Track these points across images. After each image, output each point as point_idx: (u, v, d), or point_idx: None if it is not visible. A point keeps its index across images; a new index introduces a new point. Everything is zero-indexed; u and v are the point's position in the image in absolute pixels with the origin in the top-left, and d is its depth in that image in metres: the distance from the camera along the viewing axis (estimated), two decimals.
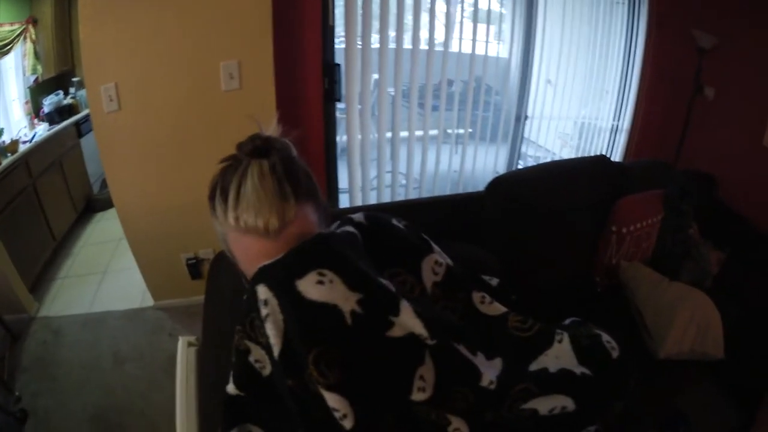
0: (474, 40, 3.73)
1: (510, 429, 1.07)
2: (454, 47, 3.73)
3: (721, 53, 3.51)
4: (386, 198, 3.98)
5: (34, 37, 4.78)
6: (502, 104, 4.27)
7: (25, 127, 4.57)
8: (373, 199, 3.92)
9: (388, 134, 3.76)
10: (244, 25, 2.71)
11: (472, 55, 3.76)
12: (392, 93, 3.64)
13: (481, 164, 4.30)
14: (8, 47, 4.44)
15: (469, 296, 1.20)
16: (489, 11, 3.82)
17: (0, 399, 2.63)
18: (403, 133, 3.80)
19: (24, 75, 4.80)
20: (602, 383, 1.11)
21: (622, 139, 4.36)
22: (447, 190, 4.27)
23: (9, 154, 3.84)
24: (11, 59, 4.60)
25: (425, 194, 4.12)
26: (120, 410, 2.78)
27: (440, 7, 3.53)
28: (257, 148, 1.02)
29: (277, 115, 1.10)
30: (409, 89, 3.65)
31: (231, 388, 1.11)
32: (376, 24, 3.31)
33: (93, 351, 3.21)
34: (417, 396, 0.97)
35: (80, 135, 5.10)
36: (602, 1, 4.00)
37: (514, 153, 4.40)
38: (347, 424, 0.91)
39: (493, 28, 4.04)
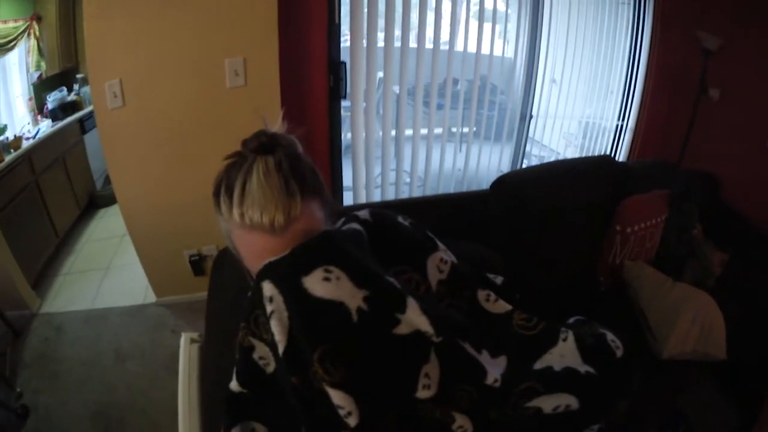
0: (479, 39, 3.72)
1: (514, 427, 1.07)
2: (459, 46, 3.73)
3: (726, 55, 3.50)
4: (390, 196, 3.97)
5: (38, 33, 4.78)
6: (507, 103, 4.26)
7: (29, 123, 4.58)
8: (377, 197, 3.93)
9: (393, 132, 3.75)
10: (249, 22, 2.70)
11: (478, 54, 3.75)
12: (397, 91, 3.64)
13: (485, 163, 4.30)
14: (12, 44, 4.44)
15: (474, 294, 1.20)
16: (495, 10, 3.81)
17: (1, 395, 2.62)
18: (408, 132, 3.80)
19: (28, 72, 4.80)
20: (606, 382, 1.11)
21: (626, 139, 4.34)
22: (451, 189, 4.27)
23: (12, 151, 3.83)
24: (15, 56, 4.61)
25: (429, 192, 4.11)
26: (121, 407, 2.77)
27: (446, 6, 3.52)
28: (263, 144, 1.01)
29: (283, 112, 1.10)
30: (414, 87, 3.64)
31: (234, 385, 1.10)
32: (381, 22, 3.30)
33: (95, 348, 3.21)
34: (422, 394, 0.97)
35: (84, 131, 5.10)
36: (608, 2, 3.99)
37: (519, 152, 4.39)
38: (352, 421, 0.91)
39: (498, 28, 4.04)
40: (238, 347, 1.07)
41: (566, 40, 4.12)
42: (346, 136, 3.63)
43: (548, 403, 1.05)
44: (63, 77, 5.26)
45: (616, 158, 3.16)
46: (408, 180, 4.05)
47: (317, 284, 0.93)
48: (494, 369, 1.05)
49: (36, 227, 4.01)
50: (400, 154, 3.83)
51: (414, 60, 3.55)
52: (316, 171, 1.09)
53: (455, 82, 3.90)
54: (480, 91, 3.91)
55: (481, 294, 1.21)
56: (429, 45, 3.55)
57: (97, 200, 5.25)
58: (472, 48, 3.74)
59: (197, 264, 3.37)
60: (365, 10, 3.18)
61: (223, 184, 1.02)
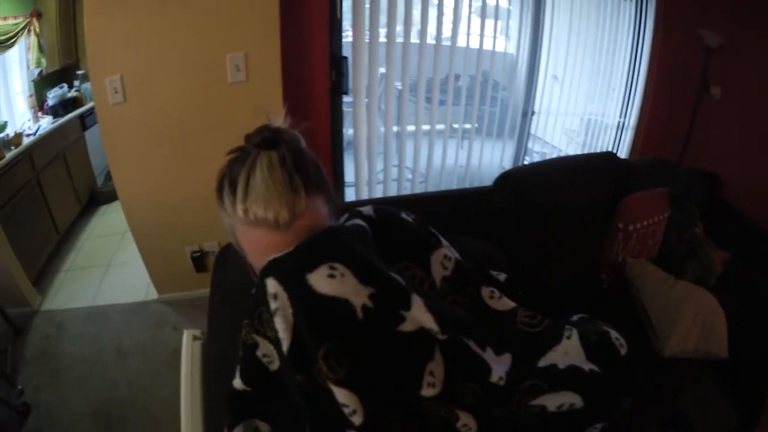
0: (482, 35, 3.72)
1: (518, 425, 1.06)
2: (461, 42, 3.73)
3: (727, 52, 3.50)
4: (392, 192, 3.97)
5: (38, 30, 4.78)
6: (509, 99, 4.26)
7: (29, 120, 4.57)
8: (379, 193, 3.93)
9: (395, 128, 3.75)
10: (251, 16, 2.70)
11: (480, 50, 3.75)
12: (399, 87, 3.63)
13: (487, 159, 4.30)
14: (12, 40, 4.44)
15: (478, 291, 1.19)
16: (497, 7, 3.80)
17: (3, 393, 2.63)
18: (410, 128, 3.79)
19: (28, 68, 4.80)
20: (610, 380, 1.10)
21: (627, 137, 4.34)
22: (453, 185, 4.26)
23: (13, 147, 3.83)
24: (15, 52, 4.60)
25: (431, 189, 4.11)
26: (122, 405, 2.77)
27: (448, 2, 3.52)
28: (266, 139, 1.00)
29: (286, 107, 1.09)
30: (416, 83, 3.63)
31: (237, 382, 1.10)
32: (383, 18, 3.29)
33: (96, 345, 3.20)
34: (426, 392, 0.96)
35: (84, 128, 5.10)
36: None
37: (521, 149, 4.39)
38: (357, 419, 0.91)
39: (500, 23, 4.03)
40: (242, 344, 1.07)
41: (568, 37, 4.12)
42: (347, 132, 3.62)
43: (552, 402, 1.04)
44: (63, 74, 5.26)
45: (618, 155, 3.16)
46: (410, 176, 4.04)
47: (322, 281, 0.92)
48: (499, 367, 1.04)
49: (37, 224, 4.01)
50: (402, 150, 3.83)
51: (416, 56, 3.55)
52: (320, 166, 1.08)
53: (457, 77, 3.89)
54: (482, 87, 3.91)
55: (485, 291, 1.20)
56: (431, 41, 3.55)
57: (98, 197, 5.25)
58: (474, 44, 3.74)
59: (199, 260, 3.37)
60: (367, 5, 3.18)
61: (227, 179, 1.01)
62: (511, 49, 4.14)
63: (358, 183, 3.76)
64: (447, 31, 3.61)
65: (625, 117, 4.30)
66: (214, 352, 1.60)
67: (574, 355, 1.11)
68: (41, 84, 4.91)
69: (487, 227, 2.33)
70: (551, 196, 2.39)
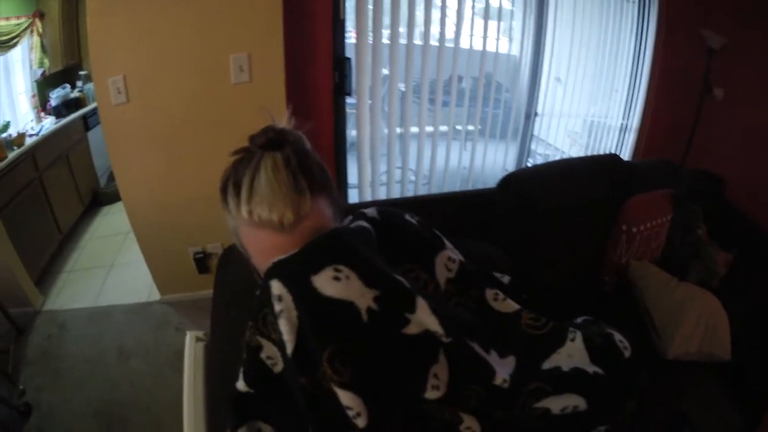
0: (485, 37, 3.72)
1: (521, 428, 1.06)
2: (464, 44, 3.72)
3: (730, 54, 3.50)
4: (396, 194, 3.98)
5: (40, 30, 4.78)
6: (512, 101, 4.26)
7: (32, 120, 4.58)
8: (382, 195, 3.93)
9: (398, 130, 3.75)
10: (254, 17, 2.70)
11: (483, 52, 3.76)
12: (402, 88, 3.63)
13: (490, 161, 4.30)
14: (15, 41, 4.44)
15: (483, 293, 1.19)
16: (500, 8, 3.80)
17: (4, 392, 2.62)
18: (413, 129, 3.79)
19: (31, 68, 4.81)
20: (614, 383, 1.10)
21: (630, 138, 4.33)
22: (456, 187, 4.27)
23: (15, 148, 3.83)
24: (18, 53, 4.61)
25: (434, 191, 4.12)
26: (124, 405, 2.77)
27: (451, 3, 3.52)
28: (270, 140, 1.00)
29: (291, 108, 1.09)
30: (420, 85, 3.63)
31: (241, 384, 1.09)
32: (386, 19, 3.29)
33: (98, 345, 3.20)
34: (430, 394, 0.96)
35: (87, 128, 5.11)
36: (612, 0, 3.98)
37: (524, 150, 4.39)
38: (360, 422, 0.90)
39: (503, 25, 4.03)
40: (245, 346, 1.06)
41: (571, 38, 4.12)
42: (350, 133, 3.62)
43: (556, 404, 1.04)
44: (66, 74, 5.26)
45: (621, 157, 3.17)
46: (413, 178, 4.04)
47: (327, 283, 0.92)
48: (503, 369, 1.04)
49: (39, 224, 4.02)
50: (405, 151, 3.82)
51: (419, 57, 3.55)
52: (325, 167, 1.08)
53: (460, 79, 3.89)
54: (485, 89, 3.91)
55: (489, 293, 1.20)
56: (434, 42, 3.55)
57: (100, 197, 5.26)
58: (477, 45, 3.75)
59: (202, 262, 3.37)
60: (370, 6, 3.18)
61: (231, 180, 1.01)
62: (514, 51, 4.15)
63: (361, 185, 3.76)
64: (450, 33, 3.61)
65: (627, 119, 4.29)
66: (217, 353, 1.59)
67: (578, 358, 1.11)
68: (44, 84, 4.92)
69: (490, 229, 2.33)
70: (554, 198, 2.39)
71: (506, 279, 1.38)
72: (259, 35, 2.74)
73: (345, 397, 0.89)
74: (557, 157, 4.50)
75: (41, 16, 4.76)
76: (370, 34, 3.27)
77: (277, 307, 0.92)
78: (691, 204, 2.56)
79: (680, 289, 2.24)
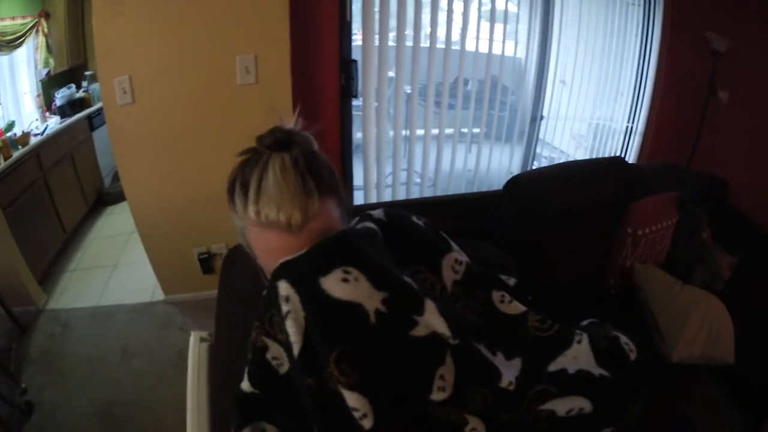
0: (491, 39, 3.72)
1: (526, 430, 1.05)
2: (470, 46, 3.72)
3: (735, 57, 3.49)
4: (401, 196, 3.98)
5: (46, 30, 4.79)
6: (518, 104, 4.26)
7: (37, 120, 4.58)
8: (387, 197, 3.93)
9: (404, 132, 3.75)
10: (261, 18, 2.69)
11: (489, 55, 3.76)
12: (408, 91, 3.63)
13: (495, 164, 4.31)
14: (20, 40, 4.45)
15: (489, 295, 1.19)
16: (506, 11, 3.81)
17: (6, 391, 2.63)
18: (419, 131, 3.80)
19: (36, 68, 4.82)
20: (620, 385, 1.10)
21: (636, 141, 4.33)
22: (461, 190, 4.27)
23: (20, 147, 3.84)
24: (23, 52, 4.62)
25: (440, 193, 4.11)
26: (127, 405, 2.77)
27: (457, 6, 3.52)
28: (278, 140, 1.00)
29: (298, 109, 1.09)
30: (426, 87, 3.63)
31: (245, 385, 1.08)
32: (392, 21, 3.29)
33: (101, 345, 3.21)
34: (436, 396, 0.96)
35: (92, 128, 5.12)
36: (618, 3, 3.99)
37: (529, 153, 4.39)
38: (367, 424, 0.90)
39: (509, 28, 4.03)
40: (251, 347, 1.06)
41: (577, 41, 4.12)
42: (356, 135, 3.62)
43: (562, 406, 1.04)
44: (71, 74, 5.27)
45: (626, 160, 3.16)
46: (418, 180, 4.05)
47: (336, 285, 0.92)
48: (509, 371, 1.03)
49: (43, 223, 4.02)
50: (411, 153, 3.82)
51: (425, 59, 3.55)
52: (333, 169, 1.08)
53: (466, 82, 3.89)
54: (491, 92, 3.91)
55: (496, 295, 1.20)
56: (440, 45, 3.55)
57: (105, 197, 5.27)
58: (483, 48, 3.74)
59: (206, 262, 3.37)
60: (376, 8, 3.18)
61: (238, 180, 1.00)
62: (520, 54, 4.15)
63: (367, 186, 3.76)
64: (456, 35, 3.61)
65: (632, 122, 4.29)
66: (221, 354, 1.59)
67: (584, 360, 1.11)
68: (49, 84, 4.92)
69: (495, 232, 2.33)
70: (560, 201, 2.38)
71: (512, 281, 1.38)
72: (265, 36, 2.74)
73: (351, 399, 0.89)
74: (562, 160, 4.49)
75: (47, 16, 4.78)
76: (377, 36, 3.27)
77: (285, 308, 0.92)
78: (696, 207, 2.55)
79: (685, 293, 2.24)
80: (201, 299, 3.48)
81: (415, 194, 4.05)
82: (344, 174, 3.57)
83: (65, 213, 4.35)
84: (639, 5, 3.94)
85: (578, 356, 1.11)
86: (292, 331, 0.91)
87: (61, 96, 4.82)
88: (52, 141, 4.30)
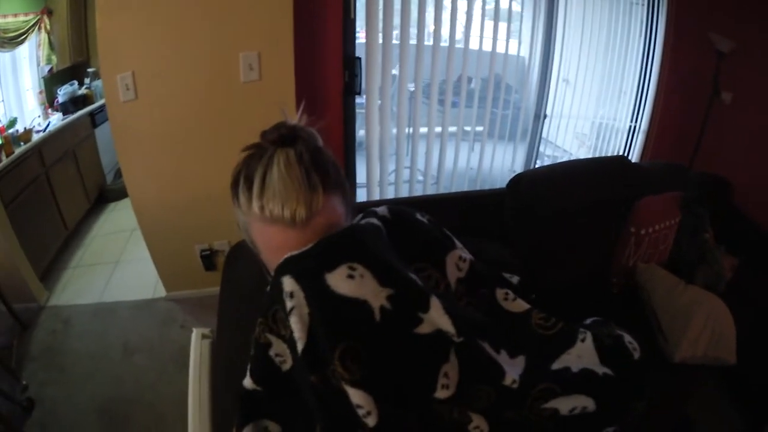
0: (494, 38, 3.72)
1: (530, 428, 1.05)
2: (474, 45, 3.72)
3: (738, 57, 3.49)
4: (404, 194, 3.98)
5: (48, 27, 4.80)
6: (521, 103, 4.26)
7: (39, 116, 4.59)
8: (390, 194, 3.93)
9: (407, 129, 3.75)
10: (264, 15, 2.69)
11: (493, 53, 3.76)
12: (412, 89, 3.63)
13: (498, 163, 4.31)
14: (23, 37, 4.46)
15: (493, 293, 1.19)
16: (510, 10, 3.81)
17: (7, 387, 2.62)
18: (422, 129, 3.79)
19: (38, 65, 4.82)
20: (624, 384, 1.10)
21: (638, 141, 4.33)
22: (464, 188, 4.28)
23: (22, 143, 3.84)
24: (26, 49, 4.63)
25: (442, 191, 4.11)
26: (128, 402, 2.77)
27: (461, 5, 3.52)
28: (283, 136, 1.00)
29: (303, 105, 1.09)
30: (429, 85, 3.63)
31: (248, 382, 1.08)
32: (396, 19, 3.29)
33: (102, 341, 3.20)
34: (440, 393, 0.95)
35: (94, 125, 5.12)
36: (621, 2, 3.99)
37: (532, 152, 4.39)
38: (371, 421, 0.89)
39: (513, 26, 4.03)
40: (254, 343, 1.05)
41: (580, 40, 4.12)
42: (359, 132, 3.62)
43: (565, 405, 1.04)
44: (74, 71, 5.28)
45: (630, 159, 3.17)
46: (421, 178, 4.05)
47: (341, 282, 0.92)
48: (512, 370, 1.03)
49: (45, 220, 4.02)
50: (414, 151, 3.82)
51: (429, 57, 3.54)
52: (338, 165, 1.07)
53: (469, 80, 3.89)
54: (494, 90, 3.91)
55: (500, 292, 1.20)
56: (444, 43, 3.55)
57: (107, 194, 5.27)
58: (486, 47, 3.75)
59: (208, 259, 3.36)
60: (380, 6, 3.17)
61: (242, 175, 1.00)
62: (524, 52, 4.15)
63: (370, 184, 3.76)
64: (460, 34, 3.61)
65: (635, 121, 4.28)
66: (223, 351, 1.59)
67: (588, 358, 1.11)
68: (51, 81, 4.93)
69: (499, 230, 2.33)
70: (563, 200, 2.38)
71: (515, 279, 1.37)
72: (269, 33, 2.74)
73: (356, 396, 0.89)
74: (565, 159, 4.49)
75: (49, 13, 4.79)
76: (380, 34, 3.27)
77: (289, 303, 0.91)
78: (699, 207, 2.55)
79: (687, 293, 2.23)
80: (203, 296, 3.48)
81: (418, 192, 4.07)
82: (347, 171, 3.56)
83: (67, 210, 4.35)
84: (643, 5, 3.94)
85: (582, 355, 1.11)
86: (296, 327, 0.91)
87: (63, 93, 4.82)
88: (55, 138, 4.30)
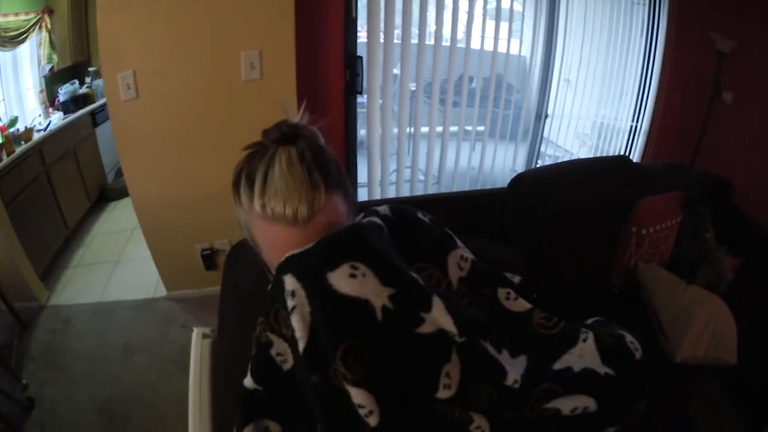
0: (496, 38, 3.72)
1: (531, 428, 1.05)
2: (475, 44, 3.72)
3: (740, 57, 3.49)
4: (405, 193, 3.99)
5: (49, 26, 4.80)
6: (523, 102, 4.26)
7: (40, 115, 4.59)
8: (391, 194, 3.93)
9: (408, 129, 3.75)
10: (265, 14, 2.68)
11: (494, 53, 3.76)
12: (413, 88, 3.63)
13: (500, 162, 4.32)
14: (24, 36, 4.46)
15: (495, 292, 1.19)
16: (511, 9, 3.81)
17: (7, 387, 2.62)
18: (423, 129, 3.79)
19: (39, 64, 4.83)
20: (625, 384, 1.10)
21: (640, 141, 4.32)
22: (465, 188, 4.27)
23: (23, 142, 3.84)
24: (26, 48, 4.63)
25: (443, 191, 4.11)
26: (128, 401, 2.76)
27: (462, 4, 3.52)
28: (284, 134, 0.99)
29: (305, 103, 1.08)
30: (430, 84, 3.63)
31: (248, 381, 1.08)
32: (398, 19, 3.28)
33: (102, 341, 3.20)
34: (442, 393, 0.95)
35: (95, 124, 5.13)
36: (623, 2, 3.99)
37: (534, 152, 4.39)
38: (372, 421, 0.89)
39: (514, 26, 4.03)
40: (255, 342, 1.05)
41: (582, 40, 4.13)
42: (360, 132, 3.62)
43: (567, 405, 1.04)
44: (75, 70, 5.29)
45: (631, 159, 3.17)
46: (422, 178, 4.05)
47: (343, 281, 0.92)
48: (514, 369, 1.03)
49: (46, 219, 4.02)
50: (415, 151, 3.82)
51: (430, 57, 3.54)
52: (339, 163, 1.07)
53: (470, 79, 3.89)
54: (496, 90, 3.90)
55: (501, 292, 1.20)
56: (445, 43, 3.55)
57: (108, 193, 5.28)
58: (488, 46, 3.74)
59: (209, 258, 3.36)
60: (382, 5, 3.17)
61: (244, 174, 1.00)
62: (525, 52, 4.16)
63: (371, 183, 3.77)
64: (461, 33, 3.61)
65: (637, 121, 4.28)
66: (223, 350, 1.59)
67: (590, 358, 1.10)
68: (52, 80, 4.94)
69: (499, 229, 2.33)
70: (564, 199, 2.38)
71: (517, 279, 1.37)
72: (270, 32, 2.73)
73: (358, 395, 0.89)
74: (566, 159, 4.50)
75: (50, 12, 4.79)
76: (382, 33, 3.26)
77: (290, 302, 0.91)
78: (700, 207, 2.54)
79: (688, 293, 2.23)
80: (203, 296, 3.48)
81: (419, 192, 4.07)
82: (348, 171, 3.54)
83: (68, 209, 4.35)
84: (644, 4, 3.94)
85: (584, 354, 1.11)
86: (298, 326, 0.91)
87: (64, 92, 4.83)
88: (55, 137, 4.31)
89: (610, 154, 4.46)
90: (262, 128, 1.02)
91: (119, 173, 5.18)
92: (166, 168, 2.99)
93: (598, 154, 4.54)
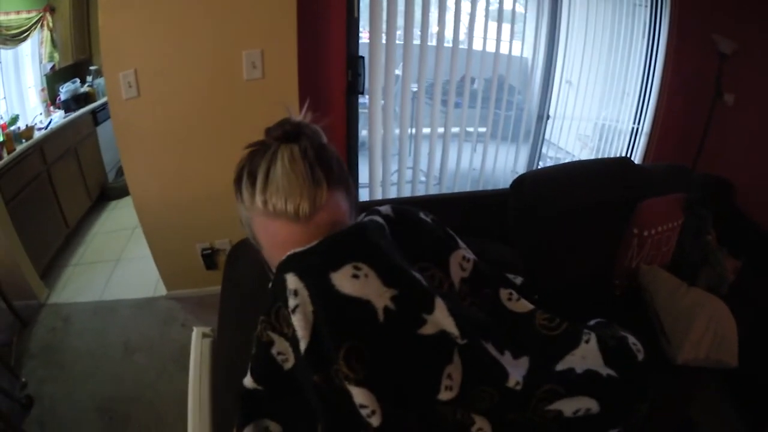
0: (498, 39, 3.72)
1: (533, 429, 1.04)
2: (477, 46, 3.72)
3: (741, 59, 3.49)
4: (406, 194, 3.98)
5: (51, 25, 4.80)
6: (524, 104, 4.26)
7: (41, 114, 4.59)
8: (393, 194, 3.93)
9: (410, 130, 3.75)
10: (268, 13, 2.68)
11: (496, 54, 3.75)
12: (415, 89, 3.63)
13: (501, 163, 4.32)
14: (25, 35, 4.46)
15: (497, 293, 1.18)
16: (513, 11, 3.80)
17: (6, 385, 2.62)
18: (425, 129, 3.79)
19: (40, 62, 4.82)
20: (627, 385, 1.09)
21: (641, 142, 4.32)
22: (466, 188, 4.27)
23: (24, 141, 3.84)
24: (28, 47, 4.63)
25: (445, 192, 4.10)
26: (127, 400, 2.76)
27: (465, 6, 3.51)
28: (287, 132, 0.99)
29: (307, 102, 1.08)
30: (432, 86, 3.63)
31: (248, 381, 1.07)
32: (400, 20, 3.28)
33: (102, 339, 3.20)
34: (444, 395, 0.95)
35: (97, 123, 5.13)
36: (625, 4, 3.98)
37: (535, 153, 4.39)
38: (375, 421, 0.89)
39: (516, 28, 4.03)
40: (256, 341, 1.04)
41: (583, 42, 4.13)
42: (361, 132, 3.61)
43: (569, 407, 1.03)
44: (76, 69, 5.29)
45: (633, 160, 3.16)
46: (423, 179, 4.04)
47: (346, 281, 0.91)
48: (516, 371, 1.02)
49: (46, 217, 4.02)
50: (416, 152, 3.82)
51: (432, 58, 3.54)
52: (342, 161, 1.07)
53: (472, 81, 3.89)
54: (497, 91, 3.90)
55: (503, 293, 1.19)
56: (447, 44, 3.54)
57: (108, 192, 5.28)
58: (490, 48, 3.74)
59: (209, 258, 3.36)
60: (384, 5, 3.17)
61: (246, 170, 0.99)
62: (527, 54, 4.15)
63: (372, 184, 3.77)
64: (463, 34, 3.61)
65: (638, 122, 4.28)
66: (223, 350, 1.59)
67: (592, 360, 1.10)
68: (54, 78, 4.94)
69: (501, 230, 2.33)
70: (566, 201, 2.38)
71: (519, 280, 1.36)
72: (272, 31, 2.73)
73: (360, 395, 0.88)
74: (568, 161, 4.49)
75: (52, 10, 4.79)
76: (384, 34, 3.26)
77: (292, 301, 0.91)
78: (702, 209, 2.54)
79: (690, 295, 2.23)
80: (203, 295, 3.48)
81: (420, 192, 4.06)
82: (350, 171, 3.54)
83: (68, 207, 4.35)
84: (646, 6, 3.94)
85: (586, 356, 1.10)
86: (300, 326, 0.90)
87: (65, 90, 4.83)
88: (56, 135, 4.31)
89: (612, 155, 4.45)
90: (264, 127, 1.02)
91: (120, 172, 5.19)
92: (167, 167, 2.99)
93: (600, 156, 4.54)
